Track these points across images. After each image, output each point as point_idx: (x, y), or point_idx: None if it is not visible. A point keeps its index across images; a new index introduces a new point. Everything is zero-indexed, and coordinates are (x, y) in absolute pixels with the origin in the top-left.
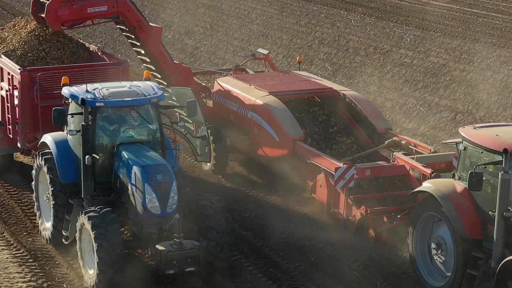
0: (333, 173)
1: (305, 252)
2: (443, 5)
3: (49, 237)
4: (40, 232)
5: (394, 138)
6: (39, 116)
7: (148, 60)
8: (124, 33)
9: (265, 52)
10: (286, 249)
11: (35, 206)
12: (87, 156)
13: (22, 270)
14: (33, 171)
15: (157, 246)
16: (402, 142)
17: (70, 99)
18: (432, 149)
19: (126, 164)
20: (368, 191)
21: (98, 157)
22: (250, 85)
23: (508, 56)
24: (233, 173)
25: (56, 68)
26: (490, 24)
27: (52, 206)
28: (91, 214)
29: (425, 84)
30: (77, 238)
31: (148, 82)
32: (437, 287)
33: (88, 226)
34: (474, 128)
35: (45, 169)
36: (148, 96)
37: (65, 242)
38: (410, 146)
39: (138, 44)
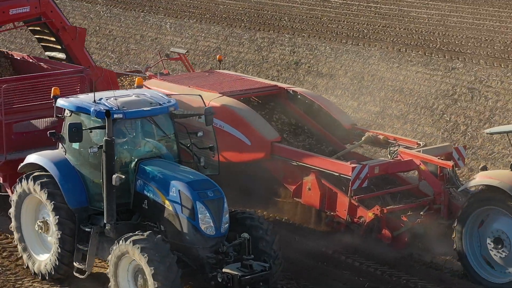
0: (334, 173)
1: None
2: None
3: (49, 272)
4: (31, 269)
5: (370, 134)
6: (3, 134)
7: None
8: (36, 34)
9: (183, 51)
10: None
11: (15, 238)
12: (114, 176)
13: None
14: (13, 198)
15: (225, 270)
16: (379, 137)
17: (69, 111)
18: (420, 143)
19: (158, 181)
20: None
21: (124, 176)
22: (189, 87)
23: (268, 37)
24: None
25: (20, 78)
26: (228, 10)
27: (58, 236)
28: (144, 245)
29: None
30: (110, 275)
31: (152, 90)
32: (499, 283)
33: (141, 258)
34: None
35: (43, 194)
36: (164, 105)
37: (81, 276)
38: (390, 141)
39: (58, 46)
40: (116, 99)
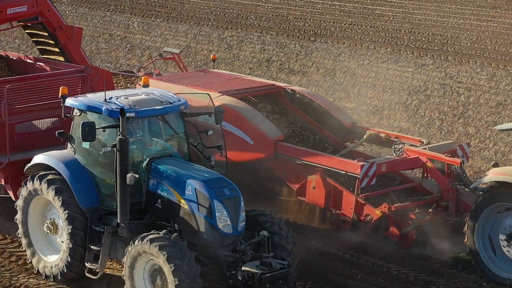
0: (341, 172)
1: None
2: None
3: (59, 273)
4: (42, 273)
5: (371, 132)
6: (7, 135)
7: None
8: (28, 32)
9: (177, 51)
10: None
11: (23, 244)
12: (129, 175)
13: None
14: (19, 203)
15: (245, 268)
16: (381, 135)
17: (78, 111)
18: (424, 140)
19: (173, 180)
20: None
21: (137, 175)
22: (187, 86)
23: (237, 36)
24: None
25: (22, 79)
26: (194, 8)
27: (68, 231)
28: (162, 243)
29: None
30: (125, 276)
31: (160, 89)
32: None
33: (159, 256)
34: None
35: (52, 194)
36: (175, 104)
37: (93, 277)
38: (392, 139)
39: (55, 47)
40: (127, 98)
